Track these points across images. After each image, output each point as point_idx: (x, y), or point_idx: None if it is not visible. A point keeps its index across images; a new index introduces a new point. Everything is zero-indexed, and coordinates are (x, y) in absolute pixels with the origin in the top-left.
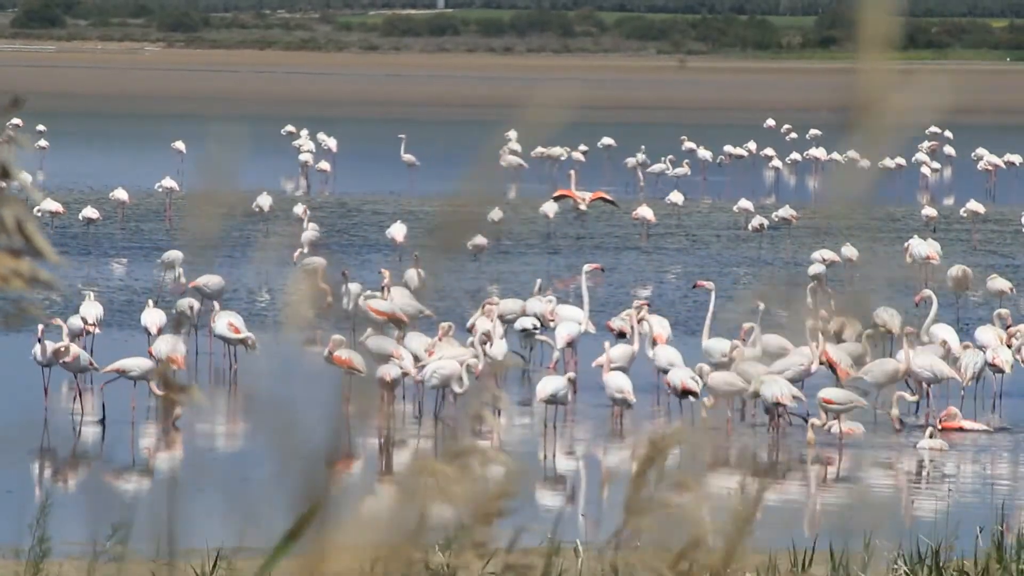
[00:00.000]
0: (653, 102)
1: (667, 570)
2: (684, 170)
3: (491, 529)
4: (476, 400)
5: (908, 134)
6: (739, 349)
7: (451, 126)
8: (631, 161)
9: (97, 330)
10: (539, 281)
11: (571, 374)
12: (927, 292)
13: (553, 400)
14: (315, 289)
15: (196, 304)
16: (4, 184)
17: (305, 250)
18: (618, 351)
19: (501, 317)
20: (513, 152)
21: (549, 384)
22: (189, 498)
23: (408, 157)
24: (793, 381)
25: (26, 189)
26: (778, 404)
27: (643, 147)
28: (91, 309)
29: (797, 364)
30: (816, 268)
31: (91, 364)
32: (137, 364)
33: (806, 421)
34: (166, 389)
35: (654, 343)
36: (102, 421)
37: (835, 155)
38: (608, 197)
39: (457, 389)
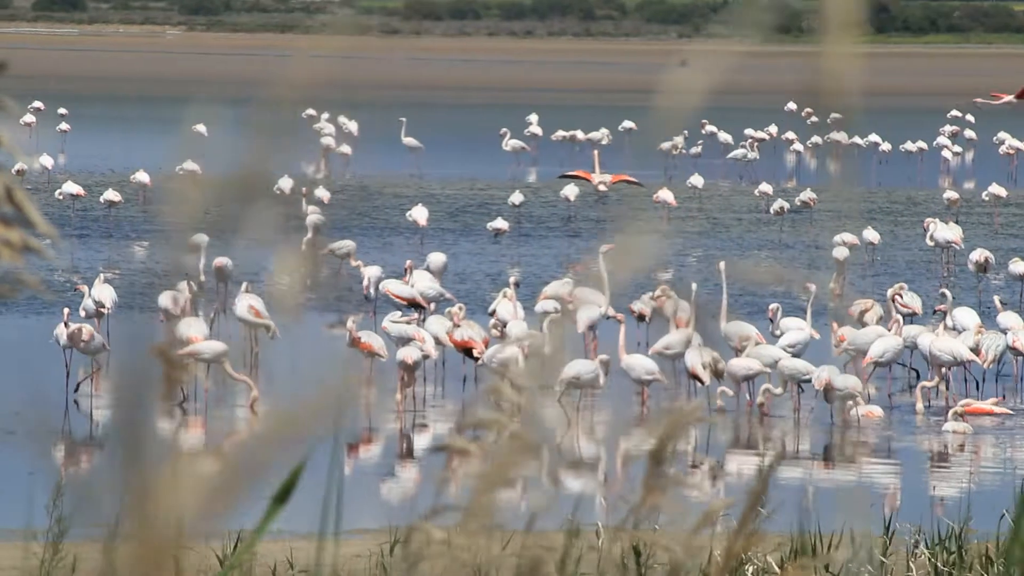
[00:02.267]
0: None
1: (683, 550)
2: (754, 154)
3: (495, 499)
4: (497, 376)
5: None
6: (751, 340)
7: (472, 110)
8: (665, 145)
9: (109, 312)
10: (512, 280)
11: (604, 356)
12: (946, 297)
13: (577, 383)
14: (309, 264)
15: (195, 287)
16: None
17: (309, 234)
18: (675, 336)
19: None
20: (533, 135)
21: (573, 366)
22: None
23: (409, 140)
24: (887, 365)
25: (16, 155)
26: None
27: (686, 132)
28: (104, 292)
29: (894, 347)
30: (840, 252)
31: (105, 346)
32: (210, 347)
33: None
34: (166, 363)
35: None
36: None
37: (856, 139)
38: (632, 179)
39: None
